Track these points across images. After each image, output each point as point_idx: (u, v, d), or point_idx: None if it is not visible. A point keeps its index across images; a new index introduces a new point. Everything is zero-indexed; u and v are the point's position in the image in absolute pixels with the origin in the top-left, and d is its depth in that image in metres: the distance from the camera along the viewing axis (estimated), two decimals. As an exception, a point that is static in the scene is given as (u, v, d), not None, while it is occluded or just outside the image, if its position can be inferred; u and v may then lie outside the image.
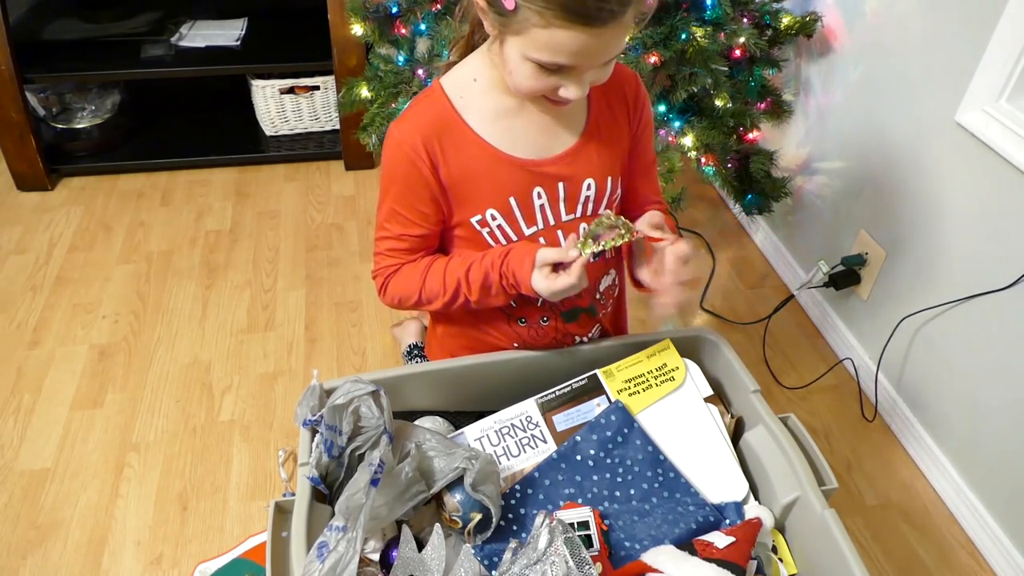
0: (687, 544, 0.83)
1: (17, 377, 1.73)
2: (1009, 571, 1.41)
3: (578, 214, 1.01)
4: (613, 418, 0.95)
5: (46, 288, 1.98)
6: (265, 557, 0.82)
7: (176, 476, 1.54)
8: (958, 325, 1.49)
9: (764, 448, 0.94)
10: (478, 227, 0.97)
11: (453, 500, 0.84)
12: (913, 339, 1.62)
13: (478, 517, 0.83)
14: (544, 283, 0.90)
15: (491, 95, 0.94)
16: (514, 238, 0.98)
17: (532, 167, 0.95)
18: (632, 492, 0.92)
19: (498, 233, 0.98)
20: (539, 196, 0.97)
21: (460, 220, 0.98)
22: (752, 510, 0.90)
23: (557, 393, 0.98)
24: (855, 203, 1.79)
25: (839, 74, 1.79)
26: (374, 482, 0.78)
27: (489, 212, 0.96)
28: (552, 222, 0.99)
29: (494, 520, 0.84)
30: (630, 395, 0.98)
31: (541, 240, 0.99)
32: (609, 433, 0.94)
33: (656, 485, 0.92)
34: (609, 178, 1.00)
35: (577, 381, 0.99)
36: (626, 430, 0.94)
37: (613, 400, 0.97)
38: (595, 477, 0.92)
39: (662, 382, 0.99)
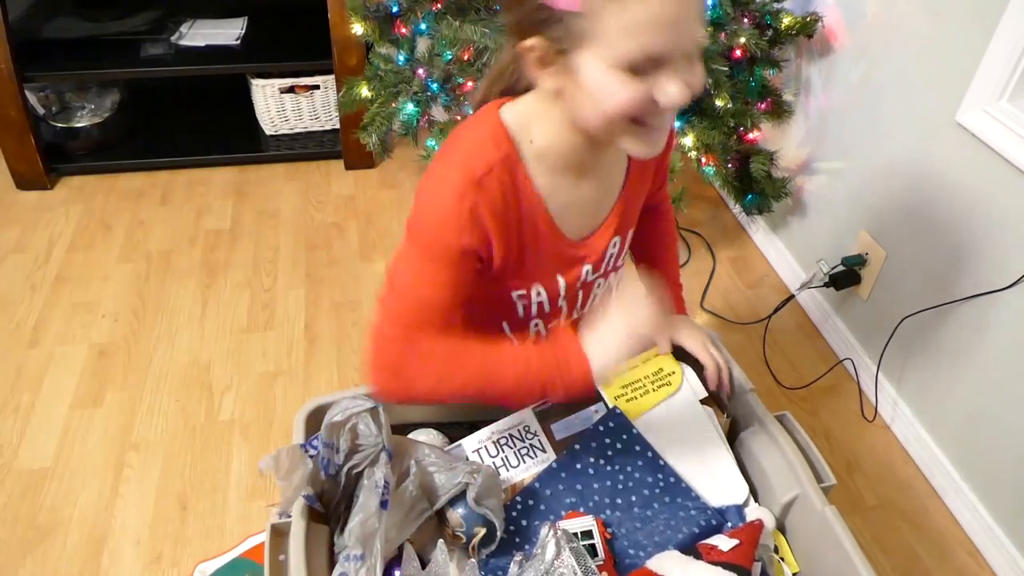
0: (691, 548, 0.83)
1: (16, 376, 1.73)
2: (1009, 571, 1.41)
3: (601, 271, 0.95)
4: (611, 425, 0.94)
5: (45, 287, 1.97)
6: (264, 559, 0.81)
7: (176, 476, 1.54)
8: (958, 325, 1.49)
9: (761, 447, 0.94)
10: (516, 299, 0.89)
11: (456, 515, 0.83)
12: (913, 339, 1.62)
13: (482, 532, 0.82)
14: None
15: (549, 157, 0.82)
16: (547, 310, 0.92)
17: (581, 247, 0.89)
18: (633, 499, 0.91)
19: (534, 308, 0.91)
20: (586, 273, 0.91)
21: (499, 289, 0.88)
22: (753, 512, 0.90)
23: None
24: (855, 203, 1.79)
25: (839, 74, 1.79)
26: (384, 504, 0.76)
27: (535, 288, 0.88)
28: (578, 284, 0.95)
29: (498, 533, 0.83)
30: (627, 401, 0.97)
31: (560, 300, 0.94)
32: (608, 440, 0.93)
33: (657, 491, 0.92)
34: (631, 231, 0.95)
35: None
36: (624, 436, 0.94)
37: (611, 407, 0.96)
38: (596, 485, 0.91)
39: (659, 387, 0.99)
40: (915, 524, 1.52)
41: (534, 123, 0.81)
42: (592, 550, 0.83)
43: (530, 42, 0.71)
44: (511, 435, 0.94)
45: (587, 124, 0.76)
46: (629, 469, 0.92)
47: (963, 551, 1.48)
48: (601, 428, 0.94)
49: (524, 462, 0.93)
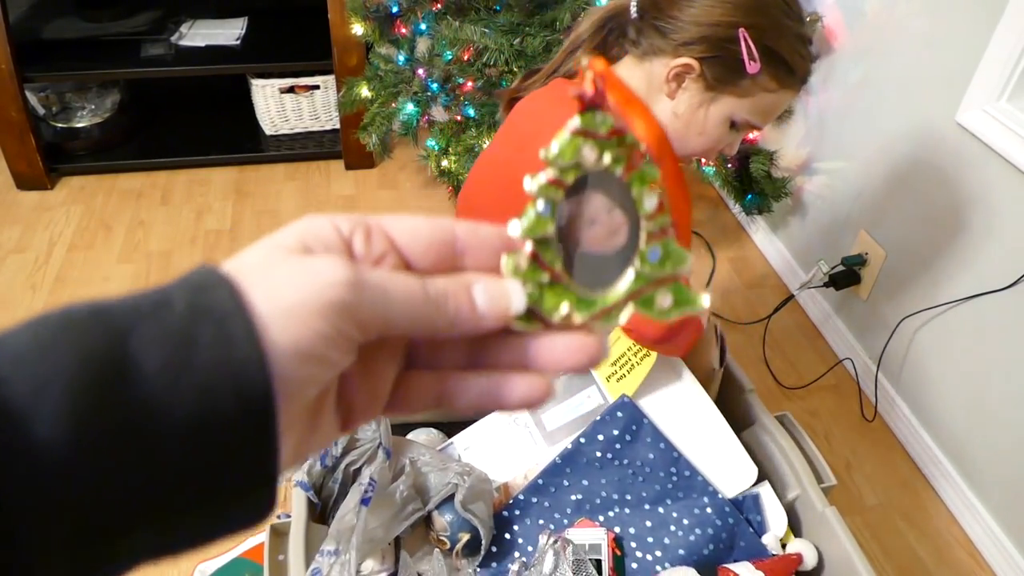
0: (711, 571, 0.78)
1: (17, 376, 1.73)
2: (1009, 571, 1.41)
3: None
4: (620, 415, 0.87)
5: (45, 287, 1.97)
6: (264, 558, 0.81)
7: (176, 475, 1.54)
8: (958, 325, 1.49)
9: (761, 447, 0.94)
10: None
11: (442, 519, 0.81)
12: (913, 339, 1.62)
13: (466, 537, 0.79)
14: None
15: None
16: None
17: None
18: (644, 495, 0.85)
19: None
20: None
21: None
22: (794, 545, 0.85)
23: None
24: (855, 203, 1.79)
25: (839, 74, 1.79)
26: (364, 501, 0.75)
27: None
28: None
29: (483, 542, 0.79)
30: (618, 380, 0.90)
31: None
32: (616, 432, 0.86)
33: (670, 486, 0.86)
34: None
35: None
36: (635, 427, 0.87)
37: (604, 390, 0.90)
38: (603, 480, 0.86)
39: (642, 358, 0.91)
40: (915, 524, 1.52)
41: None
42: (597, 566, 0.78)
43: (694, 63, 0.81)
44: (500, 429, 0.91)
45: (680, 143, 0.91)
46: (640, 463, 0.86)
47: (963, 551, 1.48)
48: (608, 418, 0.87)
49: (516, 459, 0.89)
